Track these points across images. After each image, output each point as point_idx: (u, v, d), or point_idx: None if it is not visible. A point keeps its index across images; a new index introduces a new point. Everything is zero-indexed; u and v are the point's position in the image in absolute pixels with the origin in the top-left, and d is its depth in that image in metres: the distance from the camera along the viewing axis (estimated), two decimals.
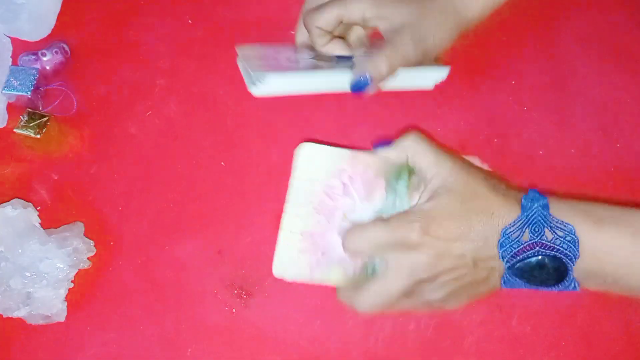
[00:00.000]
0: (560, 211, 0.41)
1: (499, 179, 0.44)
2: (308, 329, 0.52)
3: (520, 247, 0.41)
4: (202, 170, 0.57)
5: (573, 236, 0.40)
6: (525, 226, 0.41)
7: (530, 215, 0.41)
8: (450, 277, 0.42)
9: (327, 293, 0.53)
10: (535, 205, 0.41)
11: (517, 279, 0.42)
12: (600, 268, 0.41)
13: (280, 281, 0.53)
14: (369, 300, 0.43)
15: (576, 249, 0.40)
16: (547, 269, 0.41)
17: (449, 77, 0.49)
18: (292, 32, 0.61)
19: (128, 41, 0.61)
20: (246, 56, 0.51)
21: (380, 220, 0.42)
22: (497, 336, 0.52)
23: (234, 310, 0.53)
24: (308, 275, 0.46)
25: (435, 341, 0.52)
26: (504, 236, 0.41)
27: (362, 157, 0.45)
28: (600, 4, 0.61)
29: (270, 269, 0.54)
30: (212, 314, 0.52)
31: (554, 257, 0.41)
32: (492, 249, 0.41)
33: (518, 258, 0.41)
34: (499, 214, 0.41)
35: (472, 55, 0.60)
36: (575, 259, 0.40)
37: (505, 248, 0.41)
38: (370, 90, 0.48)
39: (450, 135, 0.57)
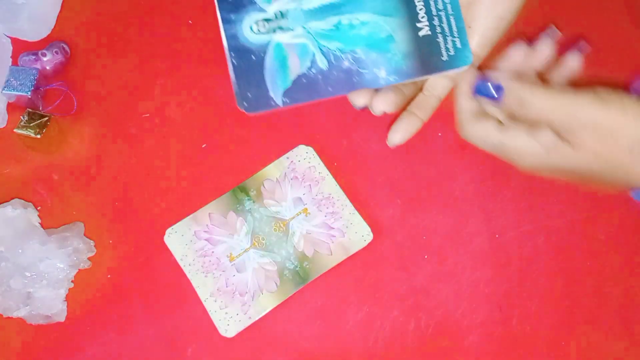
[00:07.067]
0: None
1: None
2: (308, 329, 0.52)
3: None
4: (202, 170, 0.57)
5: None
6: None
7: None
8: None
9: (327, 293, 0.53)
10: None
11: None
12: None
13: None
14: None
15: None
16: None
17: None
18: None
19: (128, 41, 0.61)
20: None
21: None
22: (497, 336, 0.52)
23: None
24: (248, 320, 0.51)
25: (435, 341, 0.52)
26: None
27: (201, 213, 0.54)
28: (600, 4, 0.61)
29: None
30: None
31: None
32: None
33: None
34: None
35: None
36: None
37: None
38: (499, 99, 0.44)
39: (450, 136, 0.57)
